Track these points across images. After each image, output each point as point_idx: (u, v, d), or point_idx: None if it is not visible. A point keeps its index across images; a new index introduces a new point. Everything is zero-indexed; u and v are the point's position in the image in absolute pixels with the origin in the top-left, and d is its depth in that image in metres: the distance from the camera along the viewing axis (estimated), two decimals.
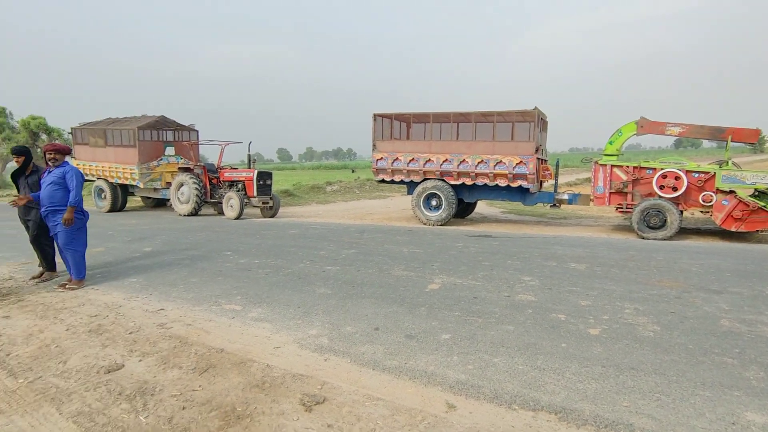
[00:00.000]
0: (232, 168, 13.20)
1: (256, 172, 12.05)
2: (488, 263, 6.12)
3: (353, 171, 37.54)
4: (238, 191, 12.10)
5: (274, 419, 2.60)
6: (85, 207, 5.50)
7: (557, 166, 10.60)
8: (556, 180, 10.55)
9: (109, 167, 13.98)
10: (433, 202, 10.69)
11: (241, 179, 12.25)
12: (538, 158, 9.95)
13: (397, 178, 11.20)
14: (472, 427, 2.52)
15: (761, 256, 6.47)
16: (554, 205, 10.28)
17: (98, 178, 14.46)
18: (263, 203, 12.29)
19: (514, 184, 9.92)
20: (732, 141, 8.50)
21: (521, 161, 9.72)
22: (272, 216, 12.41)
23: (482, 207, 14.17)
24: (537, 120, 9.81)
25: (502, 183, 10.02)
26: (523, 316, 4.11)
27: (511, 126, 10.65)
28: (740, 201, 7.89)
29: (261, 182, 12.11)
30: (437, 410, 2.70)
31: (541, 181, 10.73)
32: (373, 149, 11.42)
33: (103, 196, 14.47)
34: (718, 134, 8.64)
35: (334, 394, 2.86)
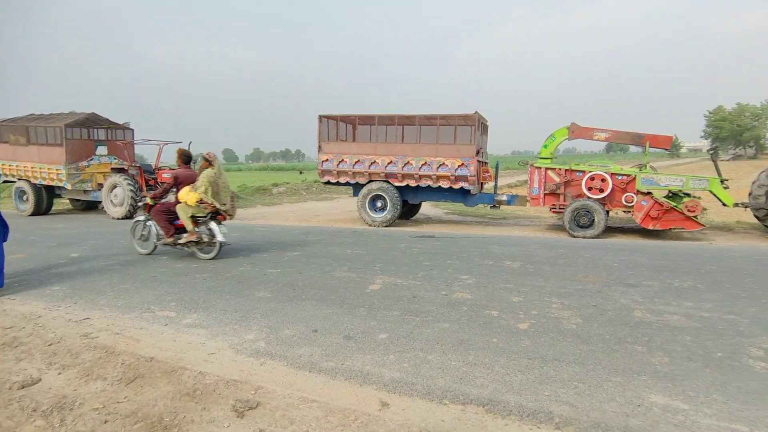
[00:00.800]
0: (171, 169, 12.65)
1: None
2: (429, 263, 6.29)
3: (301, 172, 37.05)
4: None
5: (203, 427, 2.55)
6: (4, 210, 5.09)
7: (497, 168, 11.03)
8: (496, 182, 10.98)
9: (32, 167, 12.97)
10: (379, 204, 10.79)
11: None
12: (479, 161, 10.31)
13: (342, 180, 11.21)
14: (404, 423, 2.59)
15: (672, 252, 7.08)
16: (494, 206, 10.69)
17: (20, 179, 13.38)
18: None
19: (456, 186, 10.22)
20: (650, 147, 9.24)
21: (463, 163, 10.03)
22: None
23: (427, 208, 14.47)
24: (477, 124, 10.17)
25: (445, 185, 10.30)
26: (458, 314, 4.27)
27: (454, 129, 10.97)
28: (656, 201, 8.59)
29: None
30: (371, 409, 2.75)
31: (482, 183, 11.12)
32: (318, 151, 11.36)
33: (24, 198, 13.39)
34: (639, 140, 9.35)
35: (268, 399, 2.84)
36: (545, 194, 9.66)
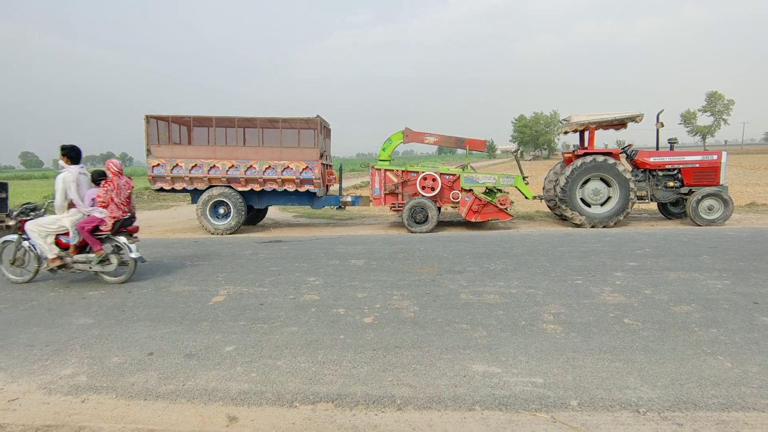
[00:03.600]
0: None
1: None
2: (276, 268, 6.21)
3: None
4: None
5: None
6: None
7: (341, 170, 11.39)
8: (341, 184, 11.33)
9: None
10: (221, 210, 10.21)
11: None
12: (323, 163, 10.51)
13: (178, 186, 10.30)
14: None
15: (489, 240, 8.27)
16: (340, 207, 11.02)
17: None
18: None
19: (302, 189, 10.25)
20: (470, 149, 10.60)
21: (308, 167, 10.11)
22: None
23: (275, 213, 14.20)
24: (320, 127, 10.35)
25: (291, 188, 10.25)
26: (306, 316, 4.33)
27: (297, 132, 10.97)
28: (476, 197, 9.92)
29: None
30: (217, 426, 2.65)
31: (327, 185, 11.36)
32: (147, 155, 10.24)
33: None
34: (460, 143, 10.65)
35: None
36: (386, 194, 10.33)
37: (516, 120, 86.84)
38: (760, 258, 6.13)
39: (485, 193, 10.24)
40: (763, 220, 10.02)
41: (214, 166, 10.13)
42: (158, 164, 10.17)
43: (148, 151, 10.21)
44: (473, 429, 2.58)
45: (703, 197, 9.59)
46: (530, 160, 69.77)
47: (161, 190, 10.48)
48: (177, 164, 10.13)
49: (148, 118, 10.17)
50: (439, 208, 10.25)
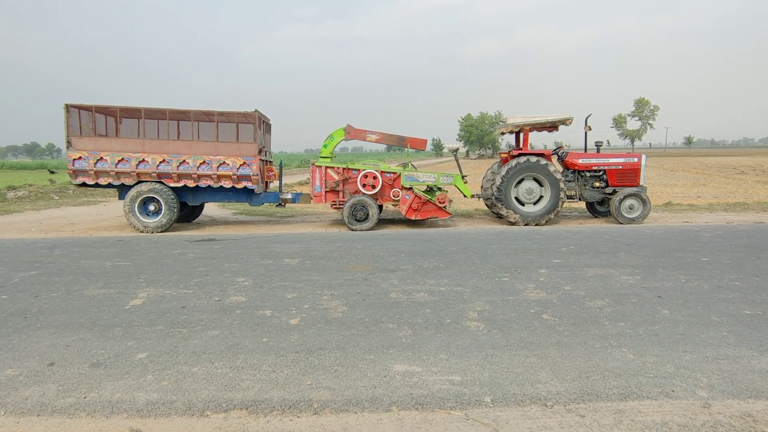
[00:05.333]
0: None
1: None
2: (204, 269, 5.96)
3: (52, 172, 30.29)
4: None
5: None
6: None
7: (281, 167, 11.13)
8: (281, 180, 11.08)
9: None
10: (151, 207, 9.67)
11: None
12: (261, 159, 10.22)
13: (102, 181, 9.64)
14: None
15: (426, 238, 8.40)
16: (280, 204, 10.77)
17: None
18: None
19: (239, 186, 9.92)
20: (411, 148, 10.71)
21: (245, 162, 9.79)
22: None
23: (214, 209, 13.66)
24: (258, 122, 10.05)
25: (227, 184, 9.89)
26: (230, 319, 4.18)
27: (235, 127, 10.59)
28: (416, 195, 10.03)
29: None
30: None
31: (267, 182, 11.07)
32: (67, 147, 9.51)
33: None
34: (401, 142, 10.74)
35: None
36: (326, 191, 10.22)
37: (462, 119, 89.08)
38: (668, 255, 6.63)
39: (425, 191, 10.39)
40: (676, 218, 10.87)
41: (144, 160, 9.58)
42: (80, 157, 9.47)
43: (69, 143, 9.49)
44: (388, 430, 2.58)
45: (625, 197, 10.25)
46: (476, 159, 71.84)
47: (84, 185, 9.79)
48: (101, 157, 9.49)
49: (68, 107, 9.43)
50: (380, 206, 10.27)
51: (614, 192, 10.60)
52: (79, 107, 9.66)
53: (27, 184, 18.68)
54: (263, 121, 10.61)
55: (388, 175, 10.19)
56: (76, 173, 9.58)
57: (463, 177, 10.68)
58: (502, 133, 11.03)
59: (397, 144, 10.93)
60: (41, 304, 4.55)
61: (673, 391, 2.94)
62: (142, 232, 9.50)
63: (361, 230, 9.64)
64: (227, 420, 2.69)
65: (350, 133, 10.60)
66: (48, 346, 3.62)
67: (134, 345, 3.63)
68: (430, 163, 44.15)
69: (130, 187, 9.67)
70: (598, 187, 10.80)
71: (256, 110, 9.98)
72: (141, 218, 9.58)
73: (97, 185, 9.75)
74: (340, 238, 8.54)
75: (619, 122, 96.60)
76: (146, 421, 2.67)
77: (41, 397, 2.89)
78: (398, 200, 10.10)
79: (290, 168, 33.67)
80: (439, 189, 10.60)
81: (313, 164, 10.29)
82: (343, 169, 10.22)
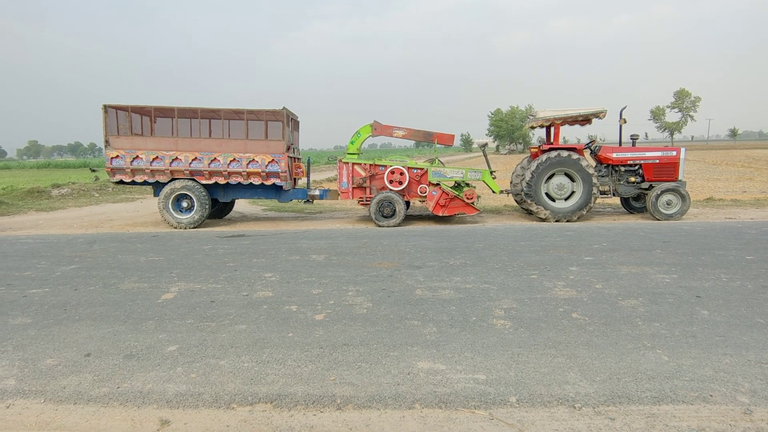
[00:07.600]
0: None
1: None
2: (233, 264, 6.09)
3: (93, 170, 31.60)
4: None
5: None
6: None
7: (309, 164, 11.24)
8: (309, 177, 11.20)
9: None
10: (184, 204, 9.97)
11: None
12: (290, 156, 10.35)
13: (138, 179, 10.00)
14: None
15: (453, 235, 8.31)
16: (308, 200, 10.90)
17: None
18: None
19: (268, 182, 10.09)
20: (438, 143, 10.60)
21: (273, 159, 9.94)
22: None
23: (244, 206, 13.95)
24: (286, 119, 10.18)
25: (257, 181, 10.07)
26: (257, 313, 4.25)
27: (264, 125, 10.76)
28: (443, 191, 9.94)
29: None
30: (148, 430, 2.56)
31: (295, 179, 11.21)
32: (105, 146, 9.90)
33: None
34: (429, 137, 10.65)
35: None
36: (353, 188, 10.25)
37: (492, 114, 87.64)
38: (708, 252, 6.32)
39: (453, 187, 10.28)
40: (718, 214, 10.37)
41: (177, 158, 9.87)
42: (117, 156, 9.85)
43: (107, 142, 9.88)
44: (411, 427, 2.56)
45: (662, 192, 9.85)
46: (506, 154, 70.59)
47: (121, 182, 10.18)
48: (137, 156, 9.83)
49: (106, 107, 9.81)
50: (407, 203, 10.24)
51: (651, 187, 10.20)
52: (117, 107, 10.03)
53: (70, 182, 19.55)
54: (291, 119, 10.74)
55: (415, 171, 10.14)
56: (113, 171, 9.96)
57: (491, 172, 10.51)
58: (532, 128, 10.78)
59: (424, 139, 10.85)
60: (80, 297, 4.76)
61: (711, 395, 2.79)
62: (175, 228, 9.79)
63: (387, 226, 9.63)
64: (252, 413, 2.73)
65: (377, 129, 10.59)
66: (85, 337, 3.77)
67: (165, 338, 3.74)
68: (459, 159, 43.72)
69: (164, 184, 9.99)
70: (633, 182, 10.41)
71: (284, 108, 10.11)
72: (174, 214, 9.87)
73: (133, 182, 10.12)
74: (367, 234, 8.56)
75: (657, 114, 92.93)
76: (175, 411, 2.74)
77: (78, 386, 3.01)
78: (425, 196, 10.04)
79: (319, 165, 34.06)
80: (467, 185, 10.47)
81: (340, 161, 10.34)
82: (370, 165, 10.23)
